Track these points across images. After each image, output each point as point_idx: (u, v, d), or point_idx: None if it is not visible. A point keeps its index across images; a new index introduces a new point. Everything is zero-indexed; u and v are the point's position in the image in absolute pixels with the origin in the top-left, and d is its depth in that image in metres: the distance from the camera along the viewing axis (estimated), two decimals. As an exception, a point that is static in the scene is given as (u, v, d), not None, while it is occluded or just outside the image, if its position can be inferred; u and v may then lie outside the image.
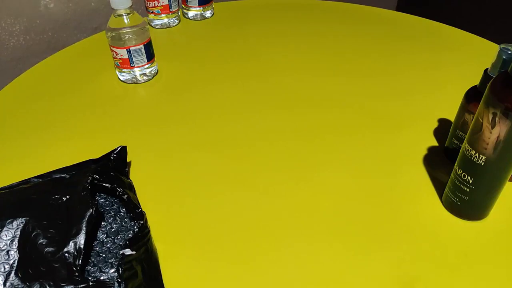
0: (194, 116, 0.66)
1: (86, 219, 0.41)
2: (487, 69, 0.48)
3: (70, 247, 0.39)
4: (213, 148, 0.59)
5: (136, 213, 0.45)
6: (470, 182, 0.45)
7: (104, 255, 0.42)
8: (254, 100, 0.69)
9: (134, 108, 0.67)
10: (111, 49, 0.69)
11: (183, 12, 0.95)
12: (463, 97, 0.52)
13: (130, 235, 0.44)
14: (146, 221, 0.45)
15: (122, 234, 0.44)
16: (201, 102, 0.68)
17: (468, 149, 0.44)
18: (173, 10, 0.89)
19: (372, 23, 0.94)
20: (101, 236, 0.44)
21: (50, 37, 0.95)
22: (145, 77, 0.73)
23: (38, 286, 0.37)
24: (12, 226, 0.40)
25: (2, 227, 0.40)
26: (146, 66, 0.72)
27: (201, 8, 0.93)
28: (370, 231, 0.48)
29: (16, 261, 0.39)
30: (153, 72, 0.74)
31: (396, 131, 0.63)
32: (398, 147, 0.60)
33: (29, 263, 0.39)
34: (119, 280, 0.38)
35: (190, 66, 0.78)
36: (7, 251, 0.39)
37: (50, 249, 0.39)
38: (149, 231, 0.45)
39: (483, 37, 0.87)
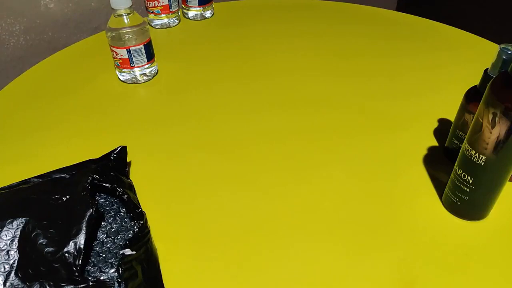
0: (194, 116, 0.66)
1: (86, 219, 0.41)
2: (487, 69, 0.48)
3: (70, 247, 0.39)
4: (213, 148, 0.59)
5: (136, 213, 0.45)
6: (470, 182, 0.45)
7: (104, 255, 0.42)
8: (254, 100, 0.69)
9: (134, 108, 0.67)
10: (111, 49, 0.69)
11: (183, 12, 0.95)
12: (463, 97, 0.52)
13: (130, 235, 0.44)
14: (146, 221, 0.45)
15: (122, 234, 0.44)
16: (201, 102, 0.68)
17: (468, 149, 0.44)
18: (173, 10, 0.89)
19: (372, 23, 0.94)
20: (101, 236, 0.44)
21: (50, 37, 0.95)
22: (145, 77, 0.73)
23: (38, 286, 0.37)
24: (12, 226, 0.40)
25: (2, 227, 0.40)
26: (146, 66, 0.72)
27: (201, 8, 0.93)
28: (370, 231, 0.48)
29: (16, 261, 0.39)
30: (153, 72, 0.74)
31: (396, 131, 0.63)
32: (398, 147, 0.60)
33: (29, 263, 0.39)
34: (119, 280, 0.38)
35: (190, 66, 0.78)
36: (7, 251, 0.39)
37: (50, 249, 0.39)
38: (149, 231, 0.45)
39: (483, 37, 0.87)
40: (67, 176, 0.49)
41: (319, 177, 0.55)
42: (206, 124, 0.64)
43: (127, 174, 0.55)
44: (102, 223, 0.45)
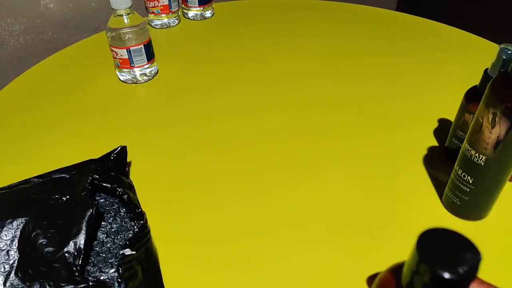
0: (194, 116, 0.66)
1: (86, 219, 0.41)
2: (487, 69, 0.48)
3: (70, 247, 0.39)
4: (213, 148, 0.59)
5: (136, 213, 0.45)
6: (470, 182, 0.45)
7: (104, 255, 0.42)
8: (254, 100, 0.69)
9: (134, 108, 0.67)
10: (111, 49, 0.69)
11: (183, 12, 0.95)
12: (463, 97, 0.52)
13: (130, 235, 0.44)
14: (146, 221, 0.45)
15: (122, 234, 0.44)
16: (201, 102, 0.69)
17: (468, 149, 0.44)
18: (173, 10, 0.89)
19: (372, 23, 0.94)
20: (101, 236, 0.44)
21: (50, 37, 0.95)
22: (145, 77, 0.73)
23: (38, 286, 0.37)
24: (12, 226, 0.40)
25: (2, 227, 0.40)
26: (146, 66, 0.72)
27: (201, 8, 0.93)
28: (370, 231, 0.48)
29: (16, 261, 0.39)
30: (153, 72, 0.74)
31: (396, 131, 0.63)
32: (398, 147, 0.60)
33: (29, 263, 0.39)
34: (119, 280, 0.38)
35: (190, 66, 0.78)
36: (7, 251, 0.39)
37: (50, 249, 0.39)
38: (149, 231, 0.45)
39: (483, 37, 0.87)
40: (67, 176, 0.49)
41: (319, 177, 0.55)
42: (206, 124, 0.64)
43: (127, 174, 0.55)
44: (102, 223, 0.45)
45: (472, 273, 0.19)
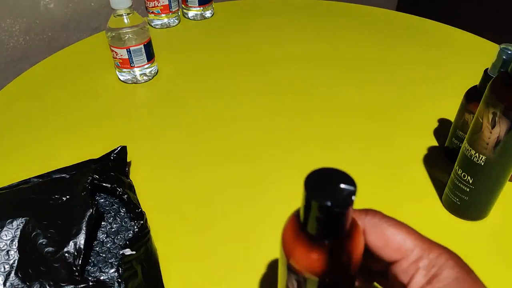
0: (194, 116, 0.66)
1: (86, 219, 0.41)
2: (487, 69, 0.48)
3: (70, 247, 0.39)
4: (213, 148, 0.59)
5: (136, 213, 0.45)
6: (470, 182, 0.45)
7: (104, 255, 0.42)
8: (253, 100, 0.69)
9: (134, 108, 0.67)
10: (111, 49, 0.69)
11: (183, 12, 0.95)
12: (463, 97, 0.52)
13: (130, 235, 0.44)
14: (146, 221, 0.45)
15: (122, 234, 0.44)
16: (201, 102, 0.69)
17: (468, 149, 0.44)
18: (173, 10, 0.89)
19: (372, 23, 0.94)
20: (101, 236, 0.44)
21: (50, 37, 0.95)
22: (145, 77, 0.73)
23: (38, 286, 0.37)
24: (12, 226, 0.40)
25: (2, 227, 0.40)
26: (146, 66, 0.72)
27: (201, 8, 0.93)
28: (370, 231, 0.48)
29: (16, 261, 0.39)
30: (153, 72, 0.74)
31: (396, 131, 0.63)
32: (398, 147, 0.60)
33: (29, 263, 0.39)
34: (119, 280, 0.38)
35: (190, 66, 0.78)
36: (7, 251, 0.39)
37: (50, 249, 0.39)
38: (149, 231, 0.45)
39: (483, 37, 0.87)
40: (67, 176, 0.49)
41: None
42: (206, 124, 0.64)
43: (127, 174, 0.55)
44: (102, 223, 0.45)
45: (347, 200, 0.23)
